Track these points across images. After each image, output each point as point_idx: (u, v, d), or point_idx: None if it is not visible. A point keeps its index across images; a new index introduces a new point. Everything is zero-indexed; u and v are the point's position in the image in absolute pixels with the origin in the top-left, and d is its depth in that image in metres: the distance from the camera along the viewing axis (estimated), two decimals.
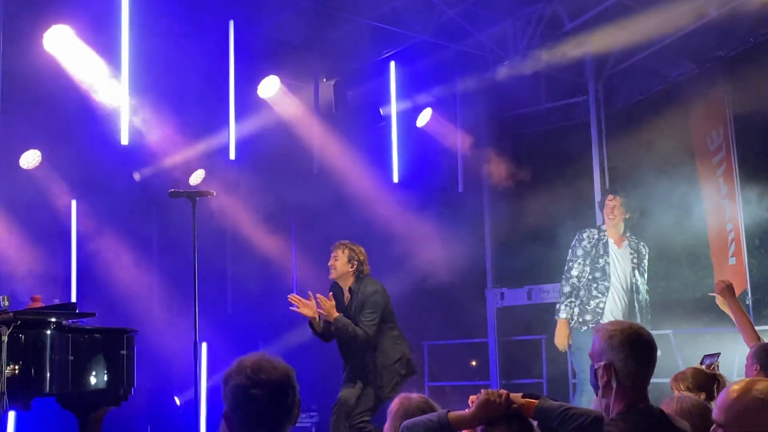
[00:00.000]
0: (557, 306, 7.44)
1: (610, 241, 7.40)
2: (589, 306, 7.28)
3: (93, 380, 5.36)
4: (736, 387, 2.69)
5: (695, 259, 9.93)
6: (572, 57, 9.65)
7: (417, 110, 10.38)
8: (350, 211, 10.04)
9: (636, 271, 7.37)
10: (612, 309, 7.25)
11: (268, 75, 9.51)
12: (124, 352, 5.63)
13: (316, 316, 6.51)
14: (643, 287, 7.41)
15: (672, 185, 9.49)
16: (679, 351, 8.66)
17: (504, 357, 10.63)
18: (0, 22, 7.48)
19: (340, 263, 6.63)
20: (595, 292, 7.29)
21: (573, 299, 7.34)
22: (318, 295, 6.49)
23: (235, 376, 2.61)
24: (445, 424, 3.14)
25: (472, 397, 3.33)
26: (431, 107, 10.46)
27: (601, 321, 7.07)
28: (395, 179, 10.30)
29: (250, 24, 9.01)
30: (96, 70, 8.28)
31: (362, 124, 10.14)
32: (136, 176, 9.38)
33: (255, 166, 9.58)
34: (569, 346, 7.33)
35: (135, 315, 8.56)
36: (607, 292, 7.28)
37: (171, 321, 8.90)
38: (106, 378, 5.45)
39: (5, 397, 4.68)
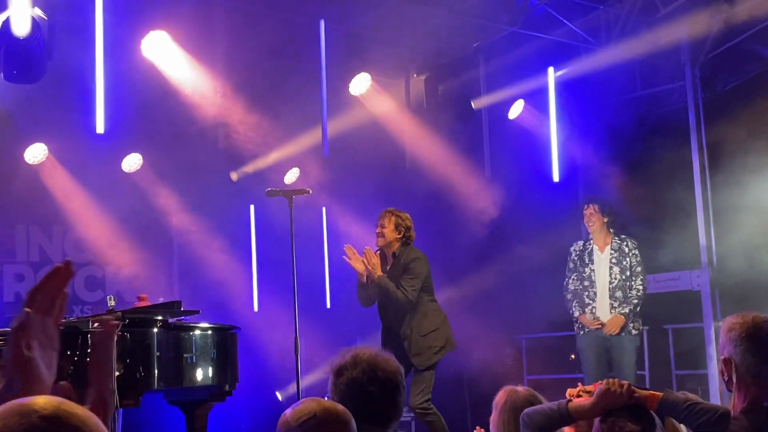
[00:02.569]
0: (571, 312, 7.99)
1: (595, 248, 7.92)
2: (583, 313, 7.78)
3: (199, 376, 5.48)
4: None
5: None
6: (667, 42, 9.45)
7: (509, 102, 10.30)
8: (443, 205, 10.03)
9: (615, 269, 7.76)
10: (602, 311, 7.74)
11: (359, 72, 9.56)
12: (227, 348, 5.73)
13: (365, 273, 6.54)
14: (626, 284, 7.73)
15: None
16: None
17: None
18: (101, 29, 7.71)
19: (388, 230, 6.67)
20: (587, 300, 7.83)
21: (576, 301, 7.91)
22: (366, 248, 6.53)
23: (351, 369, 2.63)
24: (565, 412, 3.11)
25: (570, 390, 3.30)
26: (523, 99, 10.36)
27: None
28: (488, 172, 10.25)
29: (340, 22, 9.07)
30: (192, 74, 8.47)
31: (454, 118, 10.10)
32: (234, 176, 9.54)
33: (348, 162, 9.65)
34: (577, 349, 8.08)
35: (235, 312, 8.72)
36: (596, 296, 7.78)
37: (270, 317, 9.04)
38: (210, 374, 5.57)
39: (116, 394, 4.82)
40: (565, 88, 10.34)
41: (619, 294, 7.71)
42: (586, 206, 7.96)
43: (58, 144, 8.57)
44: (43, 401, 1.30)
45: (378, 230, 6.75)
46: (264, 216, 9.66)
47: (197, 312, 5.59)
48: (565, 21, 9.44)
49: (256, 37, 8.62)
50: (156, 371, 5.18)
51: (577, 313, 7.87)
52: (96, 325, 1.65)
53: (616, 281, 7.73)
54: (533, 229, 9.67)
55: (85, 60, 7.78)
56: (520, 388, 3.58)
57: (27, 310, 1.53)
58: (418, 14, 8.97)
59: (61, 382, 1.58)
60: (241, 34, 8.50)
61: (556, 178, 10.49)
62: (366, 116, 9.76)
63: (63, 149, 8.62)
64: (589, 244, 7.92)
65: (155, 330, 5.22)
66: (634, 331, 7.70)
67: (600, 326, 7.72)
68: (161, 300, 5.99)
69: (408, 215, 6.81)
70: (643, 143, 10.37)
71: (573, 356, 8.80)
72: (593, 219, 7.85)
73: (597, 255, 7.85)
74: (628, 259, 7.77)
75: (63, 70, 7.54)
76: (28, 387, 1.49)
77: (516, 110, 10.39)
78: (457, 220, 10.11)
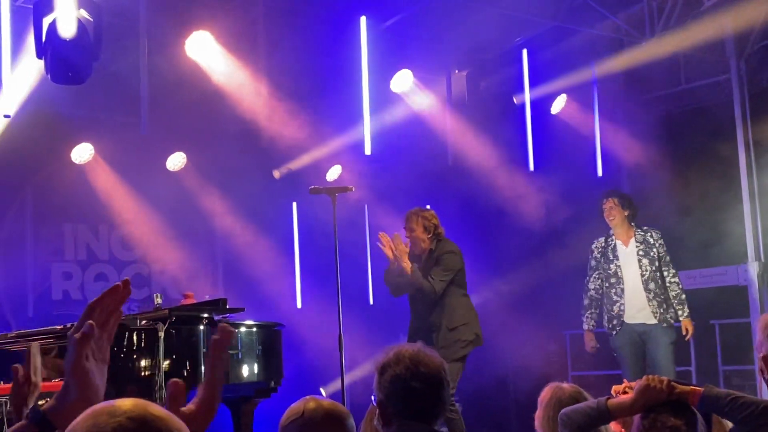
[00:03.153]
0: (582, 319, 7.87)
1: (618, 242, 7.68)
2: (613, 312, 7.62)
3: (245, 373, 5.54)
4: None
5: None
6: (712, 35, 9.34)
7: (551, 97, 10.25)
8: (486, 201, 10.01)
9: (644, 261, 7.53)
10: (631, 307, 7.52)
11: (400, 69, 9.57)
12: (272, 345, 5.78)
13: (395, 261, 6.56)
14: (655, 275, 7.52)
15: None
16: None
17: None
18: (145, 31, 7.81)
19: (418, 233, 6.67)
20: (615, 297, 7.61)
21: (593, 310, 7.79)
22: (395, 234, 6.54)
23: (394, 366, 2.65)
24: (605, 410, 3.09)
25: (615, 387, 3.28)
26: (566, 93, 10.31)
27: (624, 321, 7.50)
28: (531, 167, 10.22)
29: (381, 19, 9.09)
30: (235, 73, 8.54)
31: (496, 113, 10.07)
32: (276, 174, 9.60)
33: (390, 159, 9.66)
34: (612, 349, 7.75)
35: (279, 309, 8.77)
36: (624, 293, 7.54)
37: (314, 314, 9.08)
38: (256, 371, 5.62)
39: (163, 390, 4.88)
40: (608, 82, 10.27)
41: (652, 286, 7.50)
42: (605, 200, 7.72)
43: (104, 144, 8.68)
44: (131, 403, 1.37)
45: (408, 234, 6.73)
46: (307, 213, 9.70)
47: (242, 309, 5.64)
48: (608, 14, 9.37)
49: (297, 35, 8.67)
50: (203, 368, 5.23)
51: (586, 327, 7.79)
52: (214, 336, 1.73)
53: (648, 273, 7.52)
54: (577, 224, 9.61)
55: (130, 60, 7.89)
56: (565, 385, 3.57)
57: (90, 322, 1.58)
58: (460, 10, 8.96)
59: (175, 380, 1.67)
60: (283, 33, 8.55)
61: (599, 172, 10.42)
62: (408, 113, 9.76)
63: (109, 149, 8.72)
64: (612, 240, 7.70)
65: (201, 327, 5.28)
66: (672, 321, 7.49)
67: (594, 349, 7.82)
68: (207, 298, 6.05)
69: (433, 212, 6.80)
70: (687, 137, 10.27)
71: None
72: (613, 213, 7.63)
73: (621, 250, 7.64)
74: (655, 249, 7.57)
75: (108, 70, 7.64)
76: (84, 396, 1.56)
77: (559, 105, 10.34)
78: (500, 216, 10.08)
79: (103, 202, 8.87)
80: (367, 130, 9.21)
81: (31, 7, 7.05)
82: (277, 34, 8.51)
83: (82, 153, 8.63)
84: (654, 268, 7.54)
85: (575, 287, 9.05)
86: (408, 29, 9.29)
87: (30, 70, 7.45)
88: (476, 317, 6.75)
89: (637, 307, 7.52)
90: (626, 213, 7.66)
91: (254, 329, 5.67)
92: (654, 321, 7.46)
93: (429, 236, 6.67)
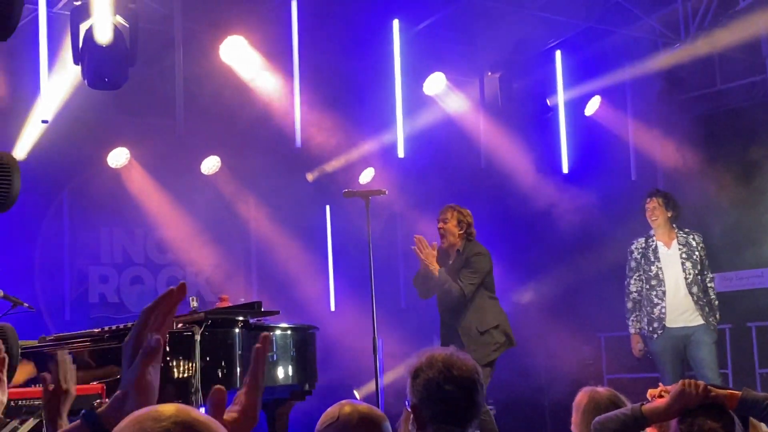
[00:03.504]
0: (627, 322, 7.75)
1: (659, 244, 7.53)
2: (653, 314, 7.48)
3: (280, 376, 5.56)
4: None
5: None
6: (747, 35, 9.26)
7: (585, 99, 10.20)
8: (519, 204, 9.98)
9: (687, 264, 7.42)
10: (672, 310, 7.40)
11: (433, 72, 9.57)
12: (306, 348, 5.81)
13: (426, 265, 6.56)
14: (698, 278, 7.42)
15: None
16: None
17: None
18: (180, 36, 7.89)
19: (450, 226, 6.65)
20: (656, 300, 7.47)
21: (637, 313, 7.63)
22: (424, 239, 6.54)
23: (427, 370, 2.65)
24: (640, 416, 3.07)
25: (651, 391, 3.26)
26: (600, 95, 10.25)
27: (666, 324, 7.38)
28: (565, 170, 10.17)
29: (414, 22, 9.11)
30: (268, 77, 8.60)
31: (529, 115, 10.04)
32: (309, 177, 9.63)
33: (423, 162, 9.67)
34: (651, 353, 7.61)
35: (313, 312, 8.80)
36: (665, 296, 7.42)
37: (347, 317, 9.10)
38: (291, 373, 5.64)
39: (200, 393, 4.92)
40: (642, 83, 10.20)
41: (695, 289, 7.40)
42: (648, 199, 7.60)
43: (140, 148, 8.76)
44: (174, 408, 1.40)
45: (440, 225, 6.73)
46: (340, 216, 9.73)
47: (277, 312, 5.66)
48: (642, 15, 9.32)
49: (330, 38, 8.71)
50: (238, 370, 5.27)
51: (632, 330, 7.66)
52: (257, 345, 1.75)
53: (691, 276, 7.40)
54: (611, 227, 9.57)
55: (166, 65, 7.98)
56: (601, 389, 3.55)
57: (157, 337, 1.60)
58: (492, 12, 8.95)
59: (218, 387, 1.68)
60: (316, 37, 8.59)
61: (633, 175, 10.36)
62: (440, 116, 9.77)
63: (144, 153, 8.81)
64: (652, 241, 7.55)
65: (237, 330, 5.31)
66: (714, 323, 7.42)
67: (641, 353, 7.67)
68: (242, 300, 6.09)
69: (469, 211, 6.78)
70: (722, 139, 10.18)
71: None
72: (657, 213, 7.50)
73: (663, 251, 7.50)
74: (697, 252, 7.45)
75: (144, 75, 7.72)
76: (139, 406, 1.56)
77: (593, 107, 10.29)
78: (534, 218, 10.05)
79: (139, 206, 8.95)
80: (400, 133, 9.23)
81: (68, 13, 7.15)
82: (311, 38, 8.55)
83: (118, 157, 8.72)
84: (696, 272, 7.44)
85: (609, 290, 9.01)
86: (440, 32, 9.29)
87: (67, 76, 7.55)
88: (506, 319, 6.73)
89: (679, 310, 7.42)
90: (669, 214, 7.53)
91: (288, 332, 5.69)
92: (699, 322, 7.37)
93: (461, 232, 6.66)
